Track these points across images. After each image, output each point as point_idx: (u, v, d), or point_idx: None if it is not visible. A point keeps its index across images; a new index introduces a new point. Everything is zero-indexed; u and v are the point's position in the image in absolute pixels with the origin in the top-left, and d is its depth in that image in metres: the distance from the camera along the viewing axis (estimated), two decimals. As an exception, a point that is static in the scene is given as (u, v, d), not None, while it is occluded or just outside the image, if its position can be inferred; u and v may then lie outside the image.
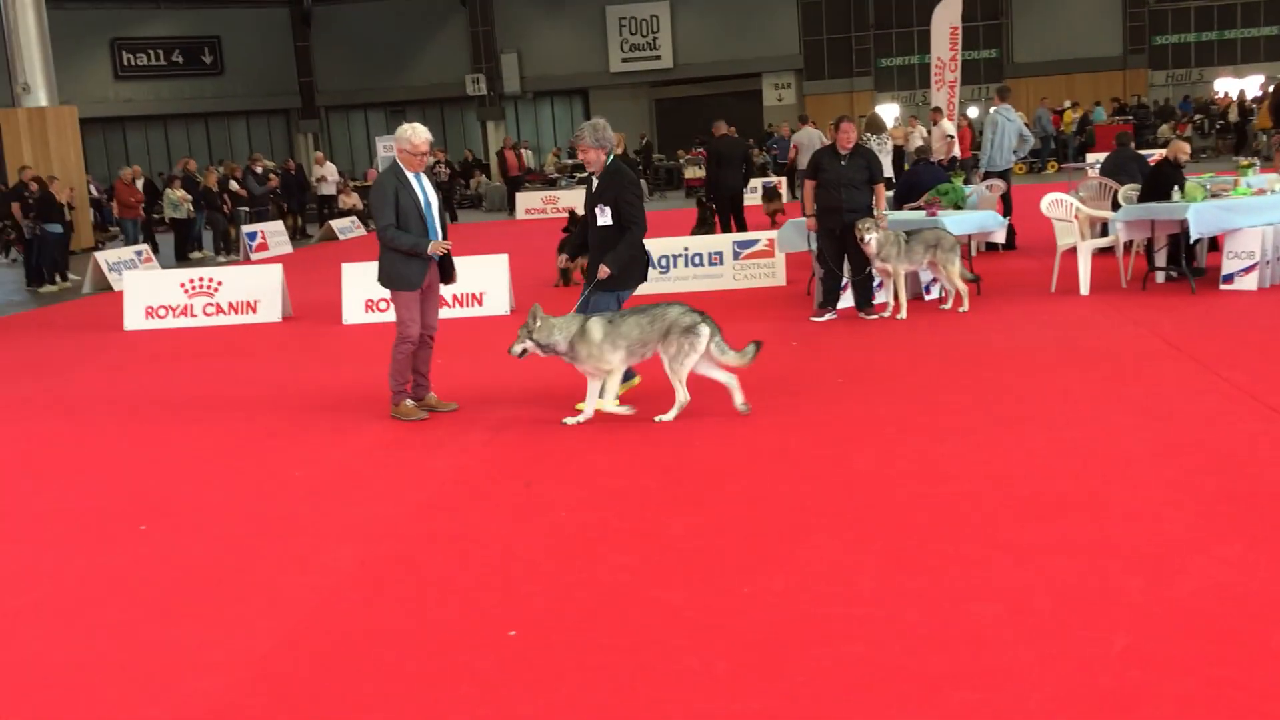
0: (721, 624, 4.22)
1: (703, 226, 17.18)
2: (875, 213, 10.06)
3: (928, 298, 11.23)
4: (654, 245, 13.41)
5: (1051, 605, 4.17)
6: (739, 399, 7.22)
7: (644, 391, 7.81)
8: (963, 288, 10.33)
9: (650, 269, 8.08)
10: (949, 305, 10.48)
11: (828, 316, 10.46)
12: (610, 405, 7.31)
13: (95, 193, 28.44)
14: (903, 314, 10.21)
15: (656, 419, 7.18)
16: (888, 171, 14.01)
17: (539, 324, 7.21)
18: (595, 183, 7.79)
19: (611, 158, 7.73)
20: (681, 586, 4.60)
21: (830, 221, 10.15)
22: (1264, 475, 5.45)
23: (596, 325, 7.17)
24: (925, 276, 11.23)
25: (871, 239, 9.84)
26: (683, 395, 7.22)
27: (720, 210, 16.44)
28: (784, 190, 25.17)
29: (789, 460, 6.30)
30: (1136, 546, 4.68)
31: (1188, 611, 4.04)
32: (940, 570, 4.57)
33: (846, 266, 10.41)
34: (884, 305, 10.49)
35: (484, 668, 3.99)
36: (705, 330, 7.13)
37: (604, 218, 7.66)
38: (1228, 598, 4.13)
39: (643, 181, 30.72)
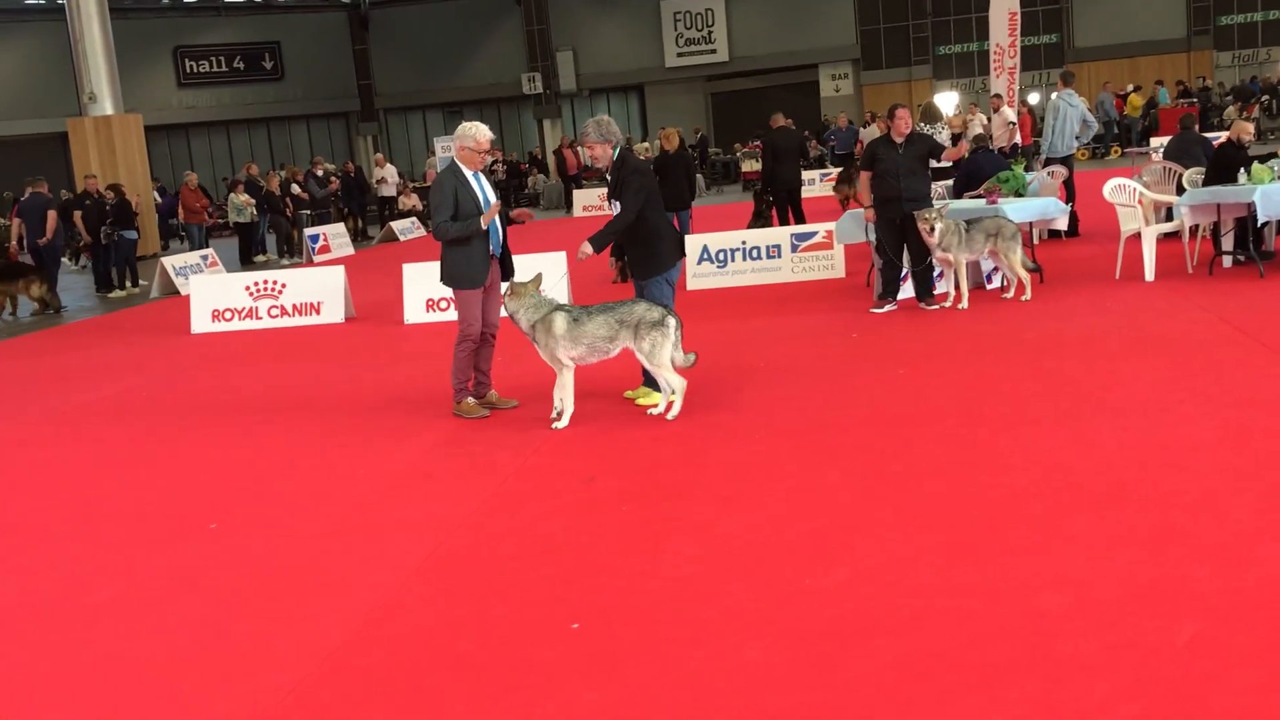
0: (782, 616, 4.23)
1: (759, 220, 17.16)
2: (935, 204, 10.01)
3: (989, 287, 11.13)
4: (712, 239, 13.51)
5: (1116, 595, 4.13)
6: (675, 407, 7.26)
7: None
8: (1025, 276, 10.23)
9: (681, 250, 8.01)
10: (1010, 294, 10.38)
11: (888, 307, 10.41)
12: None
13: (160, 199, 28.99)
14: (964, 304, 10.13)
15: (668, 416, 7.23)
16: (946, 162, 13.87)
17: (522, 294, 7.35)
18: (610, 177, 7.83)
19: (618, 151, 7.72)
20: (742, 579, 4.62)
21: (889, 211, 10.09)
22: (1336, 462, 5.35)
23: (561, 318, 7.27)
24: (987, 266, 11.13)
25: (937, 229, 9.77)
26: (677, 381, 7.25)
27: (778, 203, 16.40)
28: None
29: (849, 452, 6.29)
30: (1204, 536, 4.62)
31: (1257, 602, 3.98)
32: (1002, 561, 4.55)
33: (906, 257, 10.35)
34: (944, 295, 10.41)
35: (547, 659, 4.04)
36: (673, 321, 7.21)
37: (618, 209, 7.69)
38: (1298, 586, 4.07)
39: (700, 176, 30.75)
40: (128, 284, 19.63)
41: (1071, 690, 3.50)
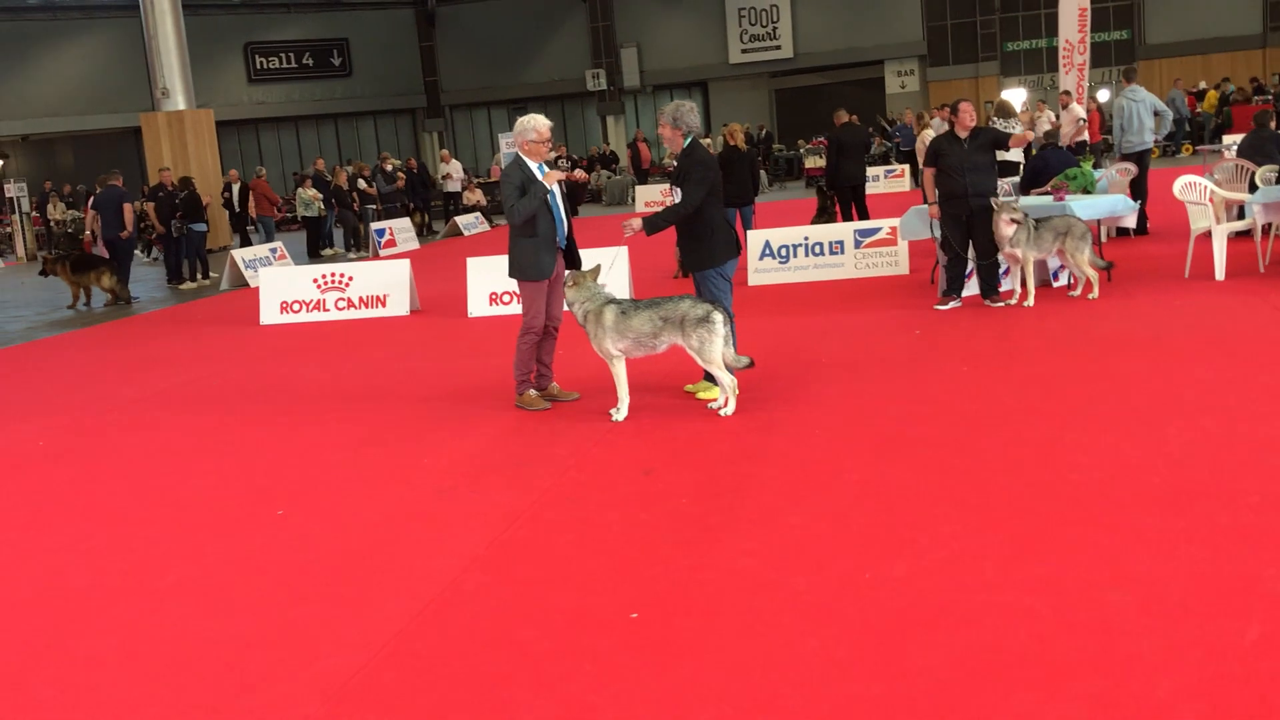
0: (842, 609, 4.22)
1: (823, 215, 17.08)
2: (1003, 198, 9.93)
3: (1055, 284, 10.99)
4: (774, 235, 13.48)
5: (1183, 594, 4.08)
6: (729, 404, 7.26)
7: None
8: (1093, 275, 10.09)
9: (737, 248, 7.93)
10: (1078, 292, 10.25)
11: (952, 304, 10.32)
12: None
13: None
14: (1029, 301, 10.03)
15: (721, 412, 7.24)
16: (1016, 157, 13.73)
17: (581, 284, 7.45)
18: (677, 164, 7.81)
19: (690, 140, 7.71)
20: (802, 572, 4.62)
21: (955, 207, 9.99)
22: None
23: (610, 311, 7.32)
24: (1053, 263, 11.00)
25: (1013, 228, 9.69)
26: (726, 379, 7.25)
27: (841, 199, 16.31)
28: (907, 178, 24.84)
29: (911, 449, 6.25)
30: (1273, 536, 4.54)
31: (1327, 602, 3.92)
32: (1068, 558, 4.50)
33: (971, 253, 10.25)
34: (1010, 293, 10.31)
35: (605, 647, 4.07)
36: (719, 316, 7.19)
37: (676, 197, 7.68)
38: (1371, 588, 4.00)
39: (763, 173, 30.67)
40: (199, 276, 20.00)
41: (1134, 688, 3.47)
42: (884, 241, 13.12)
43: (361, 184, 24.64)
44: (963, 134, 9.92)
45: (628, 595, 4.52)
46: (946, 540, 4.82)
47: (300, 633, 4.45)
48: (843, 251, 13.30)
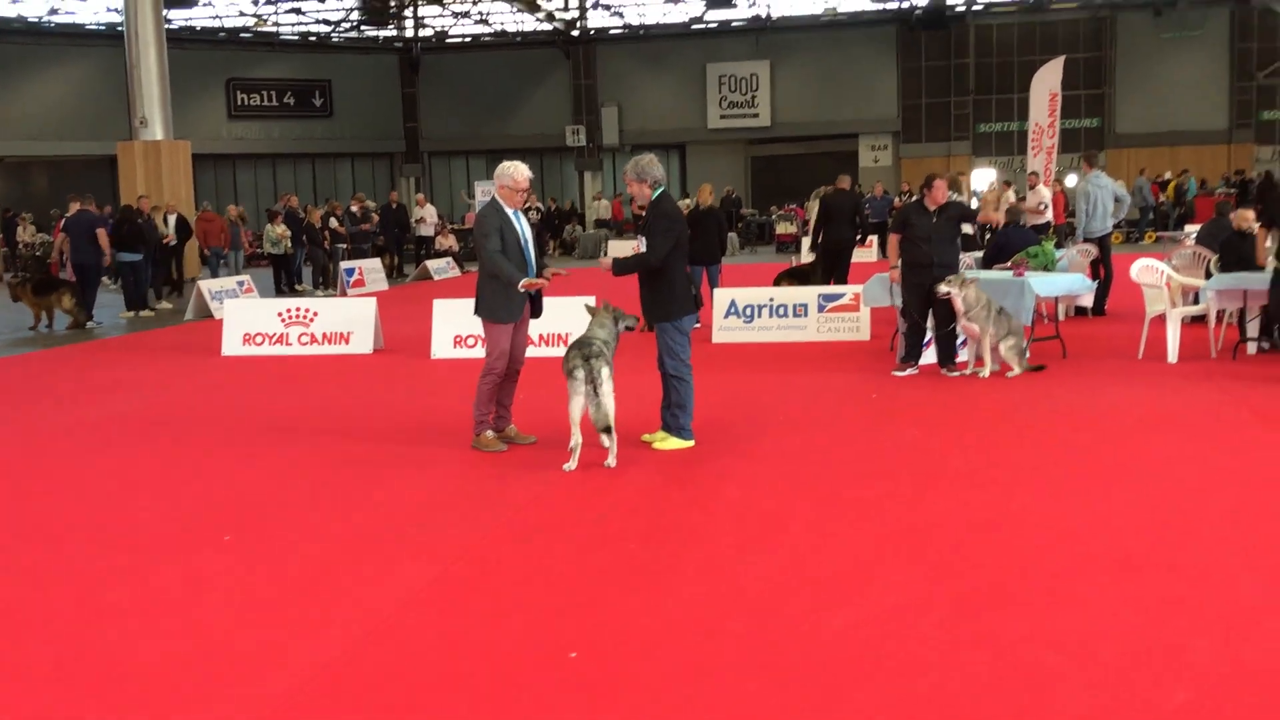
0: (782, 656, 4.26)
1: (795, 277, 16.97)
2: (963, 275, 10.14)
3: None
4: (740, 294, 13.61)
5: (1115, 658, 4.14)
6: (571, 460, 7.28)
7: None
8: (986, 359, 10.20)
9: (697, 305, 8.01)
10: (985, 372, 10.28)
11: (910, 371, 10.45)
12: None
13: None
14: (985, 372, 10.17)
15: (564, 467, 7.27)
16: (975, 226, 14.04)
17: (605, 320, 7.58)
18: (644, 216, 7.92)
19: (659, 192, 7.81)
20: (745, 619, 4.65)
21: (918, 276, 10.17)
22: (1345, 545, 5.35)
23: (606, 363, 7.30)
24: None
25: (964, 299, 9.88)
26: (573, 435, 7.28)
27: (826, 261, 16.23)
28: (875, 248, 25.05)
29: (860, 506, 6.31)
30: (1207, 607, 4.62)
31: (1253, 672, 3.99)
32: (1007, 618, 4.56)
33: (930, 321, 10.41)
34: (965, 363, 10.46)
35: (543, 684, 4.08)
36: (580, 374, 7.16)
37: (642, 247, 7.78)
38: (1297, 661, 4.08)
39: (732, 234, 30.95)
40: (162, 303, 19.85)
41: (1060, 745, 3.52)
42: (847, 307, 13.27)
43: (334, 222, 24.66)
44: (932, 207, 10.14)
45: (569, 634, 4.54)
46: (890, 594, 4.87)
47: (238, 658, 4.43)
48: (806, 314, 13.45)
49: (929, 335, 10.54)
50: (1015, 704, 3.79)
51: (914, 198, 10.49)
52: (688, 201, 31.99)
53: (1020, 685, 3.94)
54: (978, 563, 5.26)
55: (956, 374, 10.29)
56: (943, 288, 9.96)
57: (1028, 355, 10.45)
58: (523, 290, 7.77)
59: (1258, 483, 6.53)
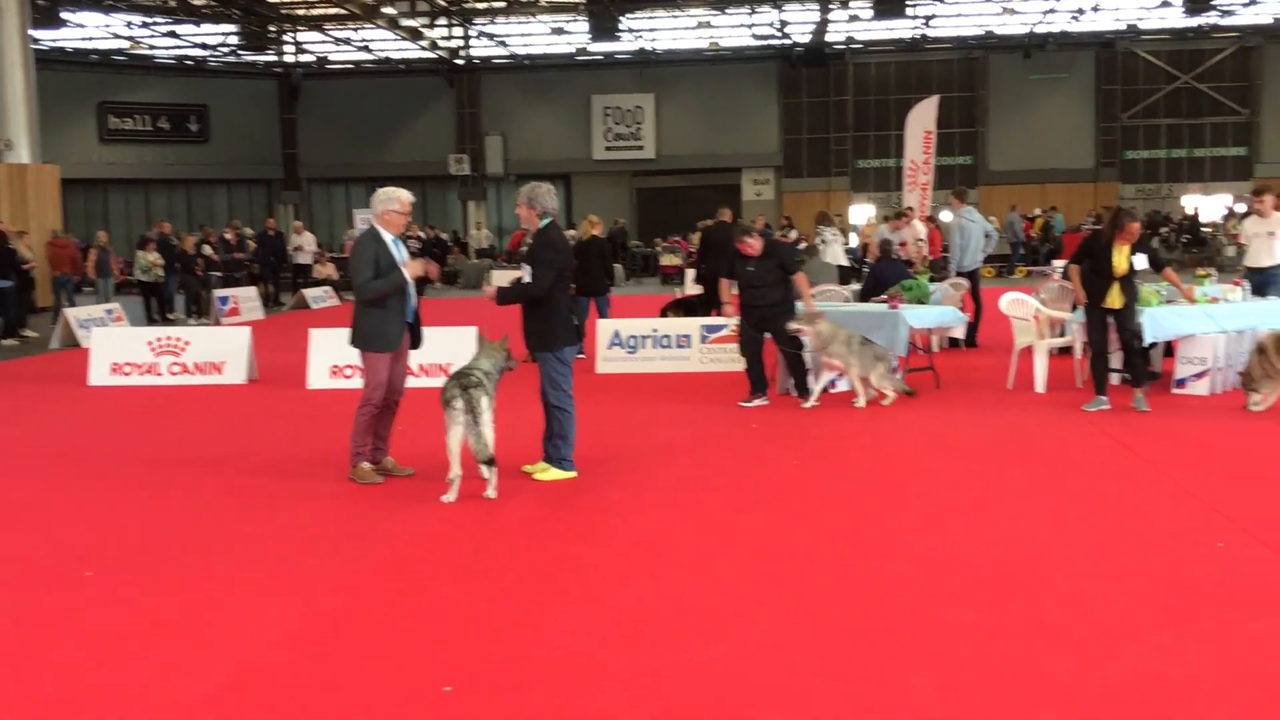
0: (659, 688, 4.26)
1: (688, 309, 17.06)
2: (806, 309, 10.41)
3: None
4: (623, 325, 13.66)
5: (981, 682, 4.24)
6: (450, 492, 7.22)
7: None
8: (859, 390, 10.42)
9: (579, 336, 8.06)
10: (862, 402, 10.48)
11: (758, 402, 10.62)
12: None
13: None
14: (861, 401, 10.35)
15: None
16: (842, 260, 14.39)
17: (493, 352, 7.52)
18: (529, 243, 7.92)
19: (546, 222, 7.82)
20: (620, 652, 4.64)
21: (751, 318, 10.56)
22: (1199, 570, 5.56)
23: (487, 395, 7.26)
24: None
25: (811, 332, 10.20)
26: (452, 467, 7.25)
27: (707, 293, 16.39)
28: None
29: (738, 534, 6.37)
30: (1071, 632, 4.75)
31: (1114, 695, 4.11)
32: (878, 646, 4.63)
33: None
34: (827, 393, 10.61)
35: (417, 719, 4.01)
36: (459, 404, 7.12)
37: (527, 276, 7.77)
38: (1153, 682, 4.22)
39: (618, 266, 31.05)
40: (27, 331, 19.17)
41: (929, 770, 3.58)
42: (729, 339, 13.39)
43: (208, 249, 24.09)
44: (751, 254, 10.41)
45: (444, 668, 4.48)
46: (767, 625, 4.91)
47: (100, 700, 4.27)
48: (689, 345, 13.56)
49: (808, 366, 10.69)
50: (886, 730, 3.84)
51: (785, 234, 10.79)
52: (574, 232, 32.00)
53: (889, 712, 4.00)
54: (849, 592, 5.34)
55: (809, 404, 10.44)
56: (793, 324, 10.21)
57: (902, 377, 10.70)
58: (410, 276, 7.70)
59: (1117, 509, 6.75)
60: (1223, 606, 5.01)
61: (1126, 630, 4.75)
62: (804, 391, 10.66)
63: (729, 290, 10.93)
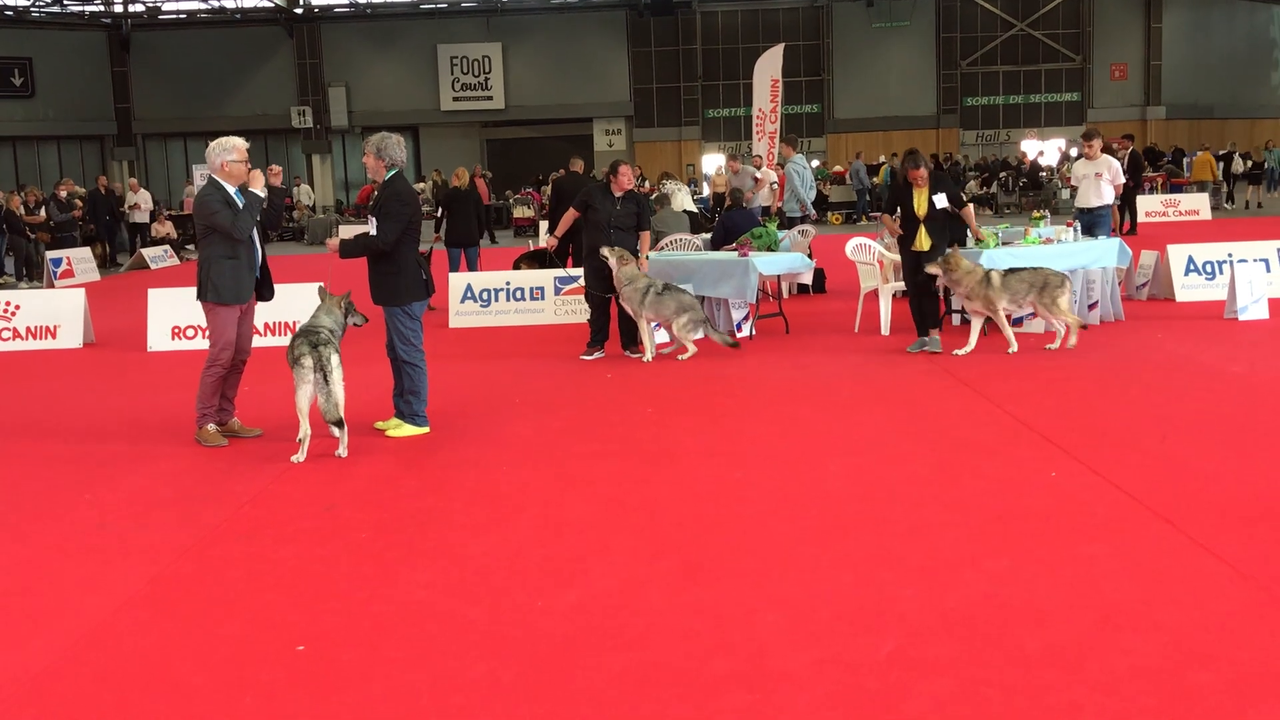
0: (511, 636, 4.28)
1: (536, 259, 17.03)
2: (641, 255, 10.34)
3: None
4: (476, 278, 13.55)
5: (828, 615, 4.37)
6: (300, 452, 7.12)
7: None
8: (689, 344, 10.37)
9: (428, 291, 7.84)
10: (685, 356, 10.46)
11: (596, 355, 10.60)
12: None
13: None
14: (685, 356, 10.33)
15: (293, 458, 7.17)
16: (689, 206, 14.58)
17: (334, 308, 7.43)
18: (376, 195, 7.76)
19: (393, 173, 7.67)
20: (475, 602, 4.65)
21: (598, 260, 10.31)
22: (1032, 497, 5.81)
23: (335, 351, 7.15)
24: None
25: (616, 270, 10.08)
26: (301, 426, 7.12)
27: (561, 244, 16.34)
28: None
29: (592, 484, 6.42)
30: (913, 560, 4.93)
31: (953, 619, 4.28)
32: (728, 584, 4.74)
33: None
34: (642, 347, 10.41)
35: (267, 680, 3.96)
36: (308, 362, 7.00)
37: (371, 228, 7.61)
38: (990, 606, 4.40)
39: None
40: None
41: (780, 700, 3.69)
42: (582, 290, 13.38)
43: (29, 209, 22.97)
44: (618, 193, 10.32)
45: (296, 628, 4.42)
46: (619, 569, 4.97)
47: (-73, 675, 4.10)
48: (543, 297, 13.52)
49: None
50: (736, 666, 3.94)
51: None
52: (422, 186, 31.52)
53: (741, 646, 4.10)
54: (702, 534, 5.43)
55: (637, 356, 10.43)
56: (607, 259, 10.14)
57: (729, 332, 10.71)
58: (265, 183, 7.65)
59: (959, 445, 7.00)
60: (1055, 532, 5.25)
61: (965, 558, 4.95)
62: (629, 345, 10.61)
63: (568, 224, 10.99)
